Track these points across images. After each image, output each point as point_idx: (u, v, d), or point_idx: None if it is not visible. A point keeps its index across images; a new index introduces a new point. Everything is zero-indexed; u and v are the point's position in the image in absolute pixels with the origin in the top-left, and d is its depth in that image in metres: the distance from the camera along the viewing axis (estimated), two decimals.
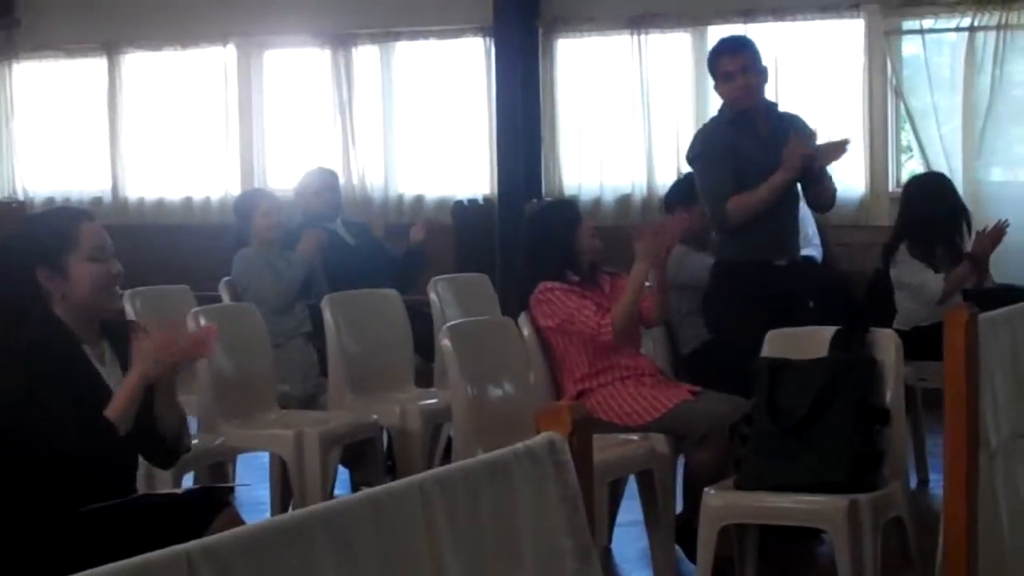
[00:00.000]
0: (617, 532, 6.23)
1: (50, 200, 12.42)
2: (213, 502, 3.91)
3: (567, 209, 6.38)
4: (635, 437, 5.67)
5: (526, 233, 6.27)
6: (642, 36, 10.73)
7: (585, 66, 11.04)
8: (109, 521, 3.73)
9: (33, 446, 3.76)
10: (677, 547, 5.77)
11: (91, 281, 3.99)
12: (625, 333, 5.75)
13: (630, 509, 6.06)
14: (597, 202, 10.88)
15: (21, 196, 12.86)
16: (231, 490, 4.19)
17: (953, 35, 9.93)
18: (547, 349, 5.85)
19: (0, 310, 4.00)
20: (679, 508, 5.83)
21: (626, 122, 10.84)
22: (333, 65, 11.62)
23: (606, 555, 5.96)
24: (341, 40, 11.60)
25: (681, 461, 5.83)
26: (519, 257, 6.32)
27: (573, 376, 5.78)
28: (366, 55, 11.64)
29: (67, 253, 3.98)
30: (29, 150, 13.00)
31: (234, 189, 11.43)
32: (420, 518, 2.59)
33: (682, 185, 6.83)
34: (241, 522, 3.84)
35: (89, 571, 2.43)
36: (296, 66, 12.10)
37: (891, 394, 5.21)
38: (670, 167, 10.49)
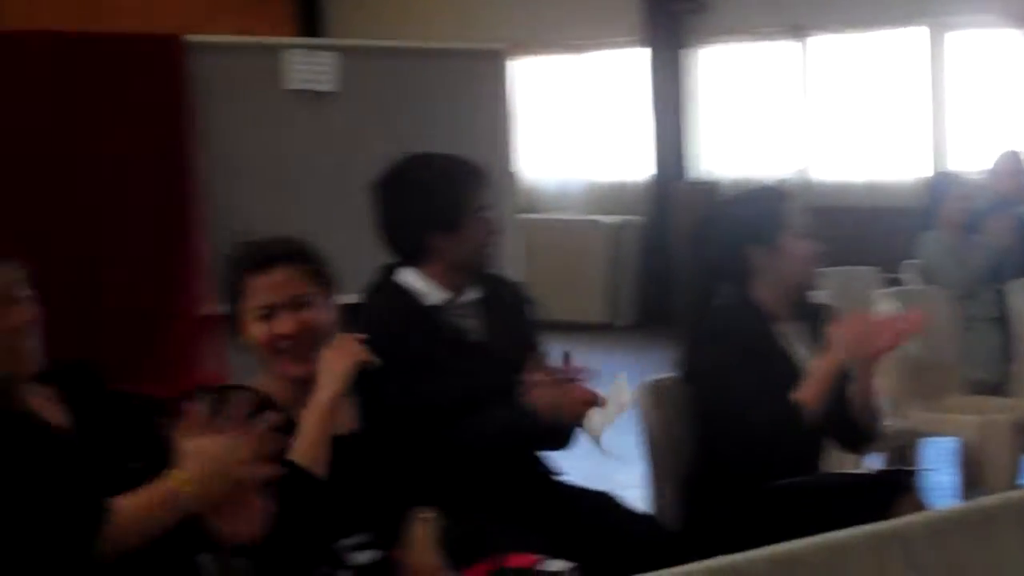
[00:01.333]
0: None
1: (738, 182, 12.68)
2: (897, 485, 3.90)
3: None
4: None
5: None
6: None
7: None
8: (795, 497, 3.81)
9: (728, 419, 3.87)
10: None
11: (801, 257, 4.08)
12: None
13: None
14: None
15: (708, 178, 13.23)
16: (914, 474, 4.14)
17: None
18: None
19: (699, 279, 4.17)
20: None
21: None
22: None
23: None
24: None
25: None
26: None
27: None
28: None
29: (779, 230, 4.06)
30: (715, 133, 13.36)
31: (924, 172, 11.28)
32: None
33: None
34: (924, 507, 3.83)
35: (777, 545, 2.51)
36: (983, 47, 11.79)
37: None
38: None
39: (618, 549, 3.59)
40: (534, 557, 3.22)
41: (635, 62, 13.58)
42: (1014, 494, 2.51)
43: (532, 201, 13.82)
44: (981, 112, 11.76)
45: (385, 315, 3.85)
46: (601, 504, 3.89)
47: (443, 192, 3.89)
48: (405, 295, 3.91)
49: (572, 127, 14.09)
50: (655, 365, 4.36)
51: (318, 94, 8.98)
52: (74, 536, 2.79)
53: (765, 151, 12.89)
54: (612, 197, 13.86)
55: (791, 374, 3.99)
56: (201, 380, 8.69)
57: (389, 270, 3.99)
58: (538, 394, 3.71)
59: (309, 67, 8.91)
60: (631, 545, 3.64)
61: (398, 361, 3.62)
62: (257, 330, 3.30)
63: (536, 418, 3.71)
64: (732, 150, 13.17)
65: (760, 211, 4.12)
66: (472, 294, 3.98)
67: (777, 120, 12.81)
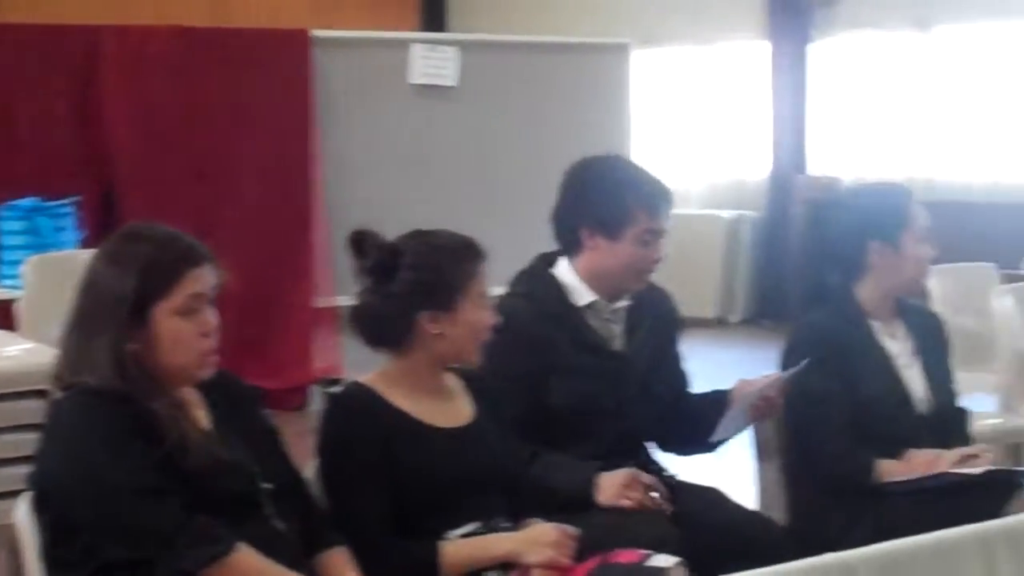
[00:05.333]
0: None
1: (858, 179, 12.54)
2: (1007, 484, 3.89)
3: None
4: None
5: None
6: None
7: None
8: (904, 495, 3.81)
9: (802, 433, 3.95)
10: None
11: (918, 261, 4.11)
12: None
13: None
14: None
15: (828, 174, 13.11)
16: None
17: None
18: None
19: (813, 267, 4.20)
20: None
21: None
22: None
23: None
24: None
25: None
26: None
27: None
28: None
29: (903, 229, 4.08)
30: (835, 129, 13.24)
31: None
32: None
33: None
34: None
35: (886, 543, 2.54)
36: None
37: None
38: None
39: (727, 545, 3.61)
40: (642, 552, 3.27)
41: (756, 56, 13.51)
42: None
43: None
44: None
45: (530, 308, 3.85)
46: (710, 499, 3.92)
47: (606, 196, 3.88)
48: (557, 288, 3.92)
49: (692, 120, 14.05)
50: (767, 361, 4.39)
51: (440, 88, 9.07)
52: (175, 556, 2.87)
53: (887, 147, 12.75)
54: (731, 192, 13.81)
55: (887, 374, 4.03)
56: (318, 373, 8.83)
57: (547, 260, 4.01)
58: (610, 496, 3.66)
59: (431, 62, 9.01)
60: (740, 541, 3.66)
61: (535, 356, 3.75)
62: (484, 316, 3.40)
63: (588, 499, 3.67)
64: (853, 146, 13.06)
65: (886, 206, 4.14)
66: (623, 301, 3.99)
67: (900, 115, 12.66)
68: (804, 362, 3.81)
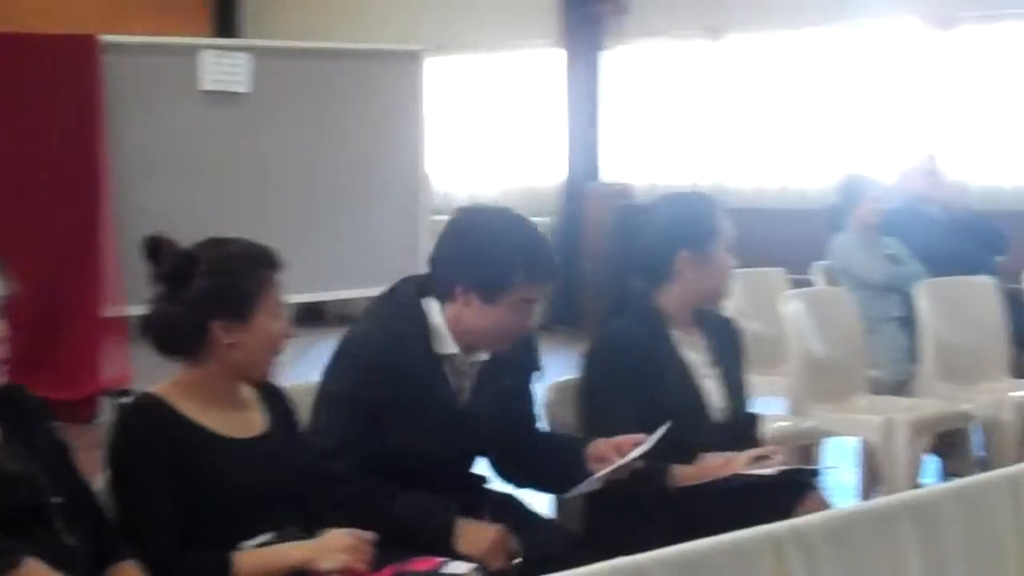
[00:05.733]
0: None
1: (652, 186, 12.69)
2: (799, 484, 3.96)
3: None
4: None
5: None
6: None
7: None
8: (697, 498, 3.85)
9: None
10: None
11: (724, 269, 4.18)
12: None
13: None
14: None
15: (621, 181, 13.22)
16: (816, 472, 4.21)
17: None
18: None
19: (617, 276, 4.22)
20: None
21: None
22: (938, 45, 11.44)
23: None
24: (944, 20, 11.39)
25: None
26: None
27: None
28: (968, 35, 11.35)
29: (712, 239, 4.13)
30: (629, 136, 13.38)
31: (836, 174, 11.37)
32: (1010, 511, 2.56)
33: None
34: (826, 506, 3.88)
35: (680, 545, 2.55)
36: (897, 45, 11.89)
37: None
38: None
39: (523, 553, 3.61)
40: (437, 560, 3.25)
41: (551, 63, 13.60)
42: (912, 493, 2.58)
43: (447, 201, 13.81)
44: (893, 113, 11.86)
45: (391, 345, 3.70)
46: (504, 505, 3.90)
47: (488, 260, 3.69)
48: (425, 330, 3.73)
49: (487, 127, 14.09)
50: (563, 366, 4.41)
51: (231, 94, 8.95)
52: None
53: (679, 154, 12.93)
54: (525, 198, 13.86)
55: (686, 384, 4.08)
56: (108, 383, 8.65)
57: (420, 289, 3.80)
58: (472, 550, 3.56)
59: (222, 68, 8.88)
60: (534, 547, 3.66)
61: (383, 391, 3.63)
62: (279, 327, 3.34)
63: (445, 531, 3.60)
64: (645, 153, 13.21)
65: (696, 216, 4.17)
66: (481, 355, 3.82)
67: (692, 123, 12.85)
68: (663, 428, 3.76)
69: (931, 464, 6.63)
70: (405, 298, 3.78)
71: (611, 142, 13.40)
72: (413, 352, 3.69)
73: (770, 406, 6.16)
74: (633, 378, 3.99)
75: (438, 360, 3.74)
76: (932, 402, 6.39)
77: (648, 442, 3.74)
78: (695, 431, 4.04)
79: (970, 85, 11.32)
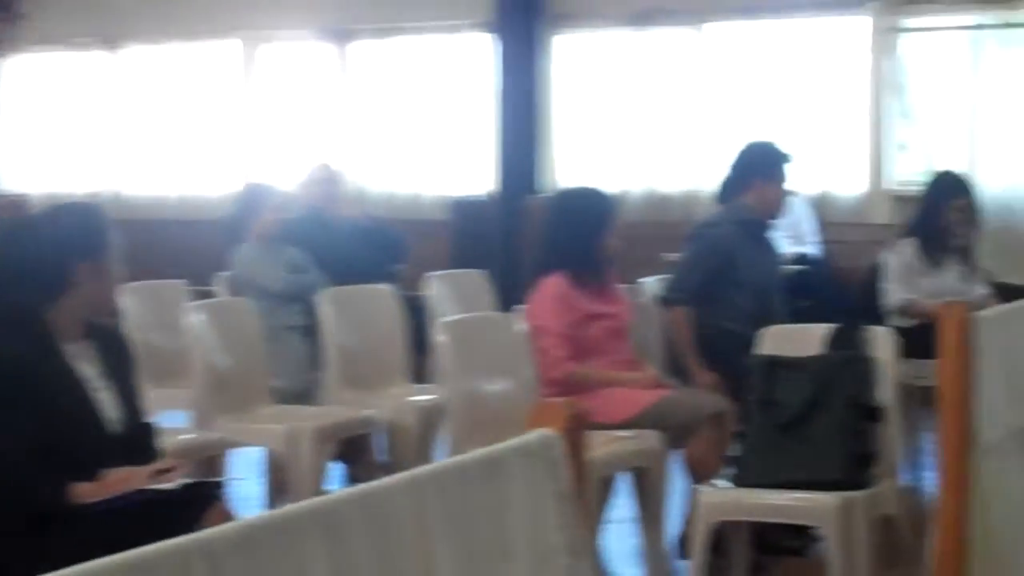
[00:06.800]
0: (607, 529, 6.21)
1: (50, 196, 12.34)
2: (204, 496, 3.92)
3: (604, 202, 5.98)
4: (627, 434, 5.63)
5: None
6: (645, 32, 10.75)
7: (586, 62, 11.06)
8: (102, 516, 3.73)
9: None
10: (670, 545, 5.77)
11: (117, 281, 4.09)
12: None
13: (621, 507, 6.04)
14: None
15: (14, 191, 12.80)
16: (221, 484, 4.18)
17: (955, 33, 9.96)
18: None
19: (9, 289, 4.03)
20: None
21: (628, 119, 10.85)
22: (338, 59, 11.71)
23: (596, 552, 5.94)
24: (342, 35, 11.66)
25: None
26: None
27: (549, 373, 5.69)
28: (366, 49, 11.68)
29: (106, 249, 4.06)
30: (27, 146, 12.99)
31: (235, 184, 11.42)
32: (413, 513, 2.59)
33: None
34: (231, 517, 3.85)
35: (83, 565, 2.43)
36: (297, 60, 12.09)
37: (886, 391, 5.21)
38: (672, 165, 10.51)
39: None
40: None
41: None
42: (317, 501, 2.56)
43: None
44: (294, 125, 12.05)
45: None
46: None
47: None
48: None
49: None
50: None
51: None
52: None
53: (77, 163, 12.68)
54: None
55: (79, 398, 3.97)
56: None
57: None
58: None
59: None
60: None
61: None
62: None
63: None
64: (42, 161, 12.87)
65: (89, 227, 4.10)
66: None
67: (90, 132, 12.64)
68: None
69: (336, 471, 6.70)
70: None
71: (8, 152, 12.98)
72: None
73: (175, 419, 6.07)
74: (19, 398, 3.82)
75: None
76: (336, 409, 6.48)
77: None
78: (93, 446, 3.95)
79: (367, 96, 11.67)
